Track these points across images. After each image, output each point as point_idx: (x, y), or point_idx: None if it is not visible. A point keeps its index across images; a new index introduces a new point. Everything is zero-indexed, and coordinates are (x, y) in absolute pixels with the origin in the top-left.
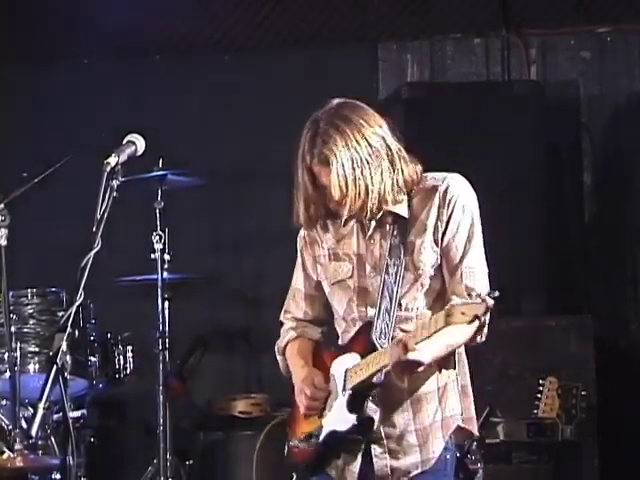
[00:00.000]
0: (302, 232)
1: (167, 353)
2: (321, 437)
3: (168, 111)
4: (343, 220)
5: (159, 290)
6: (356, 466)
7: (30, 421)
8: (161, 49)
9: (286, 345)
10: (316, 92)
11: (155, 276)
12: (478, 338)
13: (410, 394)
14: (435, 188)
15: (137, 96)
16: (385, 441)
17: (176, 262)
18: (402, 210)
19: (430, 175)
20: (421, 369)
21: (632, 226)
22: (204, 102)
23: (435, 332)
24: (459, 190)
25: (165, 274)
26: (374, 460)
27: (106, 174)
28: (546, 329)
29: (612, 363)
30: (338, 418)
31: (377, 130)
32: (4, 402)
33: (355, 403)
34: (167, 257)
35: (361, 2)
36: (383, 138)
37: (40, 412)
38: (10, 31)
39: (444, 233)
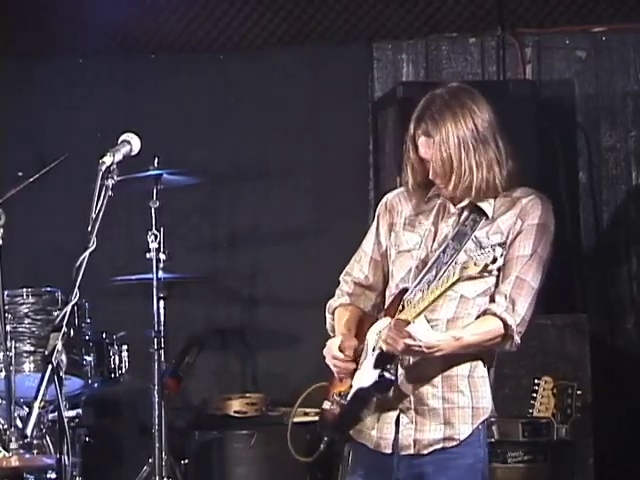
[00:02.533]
0: (384, 199)
1: (162, 352)
2: (349, 396)
3: (164, 110)
4: (428, 196)
5: (154, 289)
6: (391, 433)
7: (25, 420)
8: (157, 48)
9: (337, 307)
10: (311, 91)
11: (150, 275)
12: (507, 346)
13: (443, 371)
14: (519, 199)
15: (133, 95)
16: (413, 412)
17: (171, 261)
18: (487, 208)
19: (519, 189)
20: (415, 344)
21: (627, 225)
22: (200, 101)
23: (450, 287)
24: (541, 210)
25: (160, 273)
26: (400, 429)
27: (101, 173)
28: (541, 328)
29: (608, 362)
30: (364, 376)
31: (487, 120)
32: None
33: (381, 361)
34: (162, 256)
35: (356, 1)
36: (492, 130)
37: (35, 411)
38: (5, 29)
39: (512, 242)
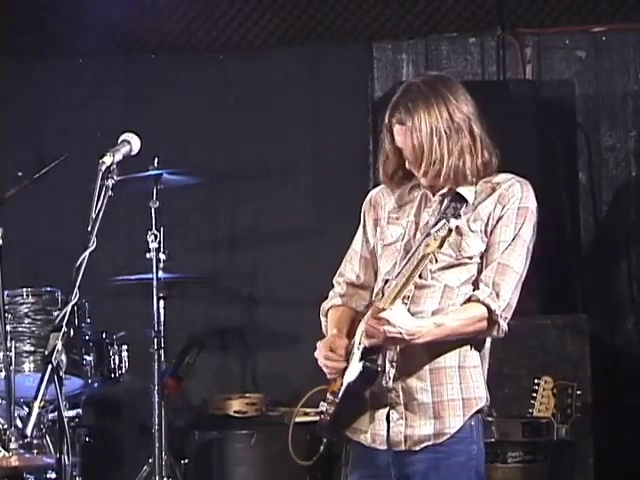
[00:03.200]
0: (368, 196)
1: (162, 352)
2: (340, 393)
3: (163, 110)
4: (409, 187)
5: (154, 289)
6: (383, 430)
7: (25, 420)
8: (157, 48)
9: (329, 309)
10: (311, 91)
11: (150, 275)
12: (494, 332)
13: (430, 364)
14: (499, 184)
15: (133, 95)
16: (402, 407)
17: (171, 261)
18: (468, 194)
19: (500, 174)
20: (395, 331)
21: (627, 225)
22: (200, 101)
23: (417, 265)
24: (521, 193)
25: (160, 273)
26: (390, 425)
27: (101, 173)
28: (541, 328)
29: (608, 362)
30: (351, 370)
31: (463, 109)
32: None
33: (366, 354)
34: (162, 256)
35: (356, 1)
36: (468, 118)
37: (35, 411)
38: (5, 29)
39: (494, 228)
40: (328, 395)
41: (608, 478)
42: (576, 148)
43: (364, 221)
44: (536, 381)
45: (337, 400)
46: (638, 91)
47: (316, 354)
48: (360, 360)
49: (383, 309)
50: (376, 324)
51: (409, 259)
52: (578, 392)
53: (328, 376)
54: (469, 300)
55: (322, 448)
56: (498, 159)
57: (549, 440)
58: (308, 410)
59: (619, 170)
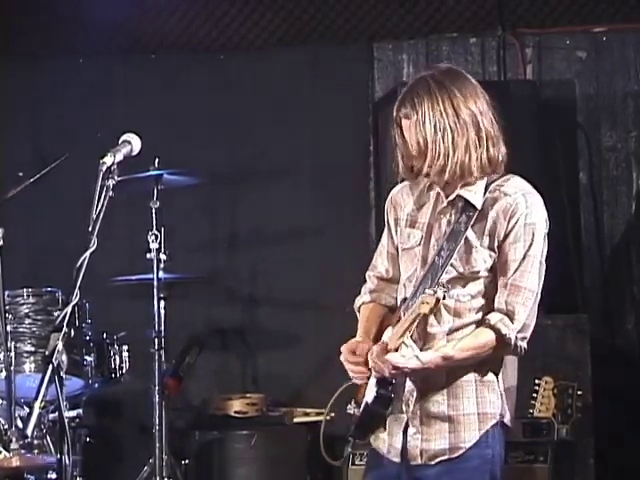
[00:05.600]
0: (390, 195)
1: (163, 353)
2: (362, 407)
3: (164, 110)
4: (427, 185)
5: (155, 290)
6: (398, 442)
7: (26, 420)
8: (157, 48)
9: (360, 306)
10: (312, 91)
11: (151, 276)
12: (512, 352)
13: (448, 379)
14: (505, 196)
15: (133, 95)
16: (419, 422)
17: (172, 262)
18: (475, 199)
19: (513, 178)
20: (406, 368)
21: (627, 225)
22: (200, 101)
23: (412, 322)
24: (525, 208)
25: (161, 274)
26: (407, 439)
27: (102, 174)
28: (542, 328)
29: (608, 362)
30: (369, 390)
31: (470, 105)
32: (0, 402)
33: (380, 378)
34: (163, 257)
35: (356, 1)
36: (474, 114)
37: (36, 411)
38: (5, 29)
39: (501, 245)
40: (353, 402)
41: (608, 478)
42: (576, 148)
43: (387, 219)
44: (537, 381)
45: (359, 411)
46: (638, 91)
47: (341, 357)
48: (376, 385)
49: (388, 350)
50: (381, 362)
51: (431, 280)
52: (579, 392)
53: (353, 380)
54: (482, 323)
55: (349, 449)
56: (506, 156)
57: (550, 440)
58: (308, 410)
59: (619, 170)
